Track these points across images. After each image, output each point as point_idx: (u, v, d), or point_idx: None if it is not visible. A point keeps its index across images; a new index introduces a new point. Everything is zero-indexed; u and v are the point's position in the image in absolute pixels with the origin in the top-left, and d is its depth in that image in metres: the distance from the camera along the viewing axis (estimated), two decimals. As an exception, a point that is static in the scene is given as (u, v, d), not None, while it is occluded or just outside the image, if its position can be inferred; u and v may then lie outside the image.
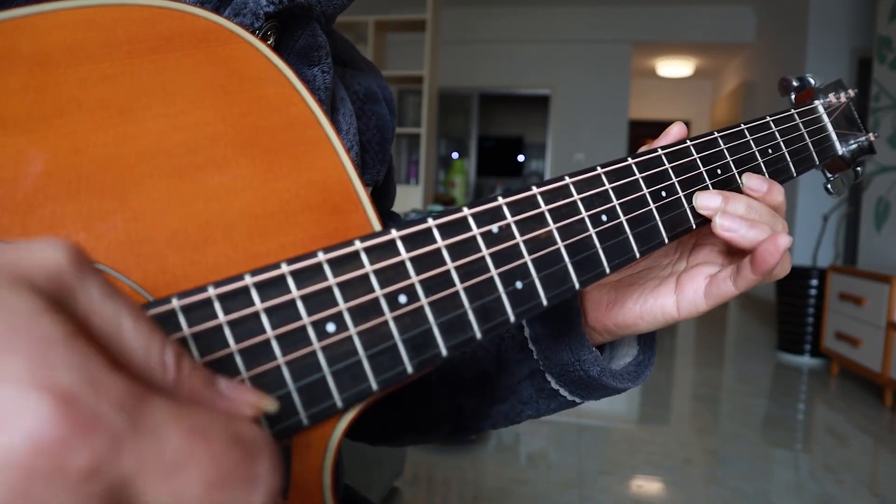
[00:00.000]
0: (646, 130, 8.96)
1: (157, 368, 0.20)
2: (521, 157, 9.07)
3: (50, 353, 0.17)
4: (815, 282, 3.60)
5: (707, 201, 0.41)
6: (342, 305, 0.28)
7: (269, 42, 0.43)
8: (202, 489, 0.18)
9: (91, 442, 0.16)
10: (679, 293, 0.43)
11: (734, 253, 0.45)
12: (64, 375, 0.16)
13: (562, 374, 0.48)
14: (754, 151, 0.47)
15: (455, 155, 8.25)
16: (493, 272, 0.33)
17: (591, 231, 0.37)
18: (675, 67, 7.88)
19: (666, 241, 0.41)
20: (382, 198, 0.63)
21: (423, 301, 0.30)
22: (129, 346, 0.20)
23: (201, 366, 0.22)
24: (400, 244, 0.30)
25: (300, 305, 0.27)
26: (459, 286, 0.31)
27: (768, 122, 0.49)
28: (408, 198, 4.50)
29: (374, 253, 0.29)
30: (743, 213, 0.41)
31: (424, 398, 0.55)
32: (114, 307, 0.20)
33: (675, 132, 0.45)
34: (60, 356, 0.17)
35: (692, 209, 0.42)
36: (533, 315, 0.34)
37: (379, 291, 0.29)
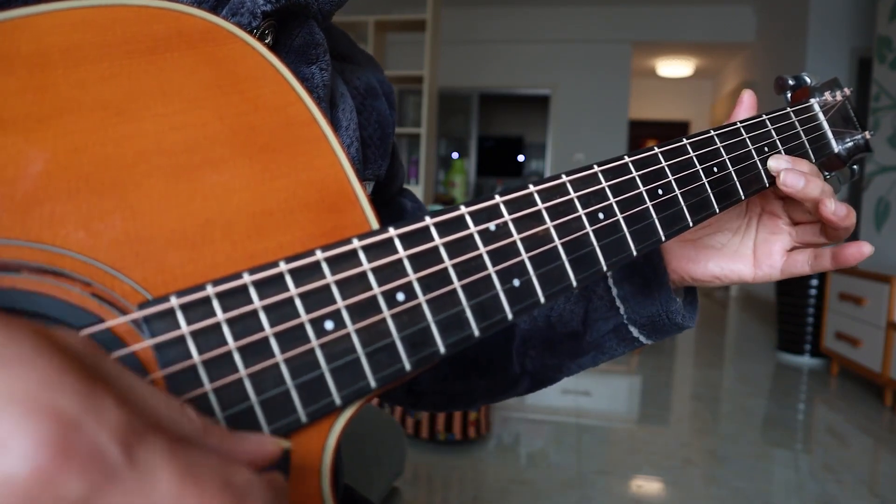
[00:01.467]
0: (646, 130, 8.96)
1: (184, 422, 0.21)
2: (521, 157, 9.07)
3: (60, 379, 0.17)
4: (815, 282, 3.60)
5: (776, 163, 0.47)
6: (340, 303, 0.28)
7: (266, 40, 0.43)
8: None
9: (85, 472, 0.16)
10: (756, 265, 0.50)
11: (799, 223, 0.50)
12: (70, 402, 0.17)
13: (646, 325, 0.54)
14: (750, 149, 0.47)
15: (455, 155, 8.25)
16: (491, 270, 0.33)
17: (588, 228, 0.37)
18: (675, 67, 7.88)
19: (663, 238, 0.41)
20: (390, 182, 0.64)
21: (421, 299, 0.30)
22: (150, 404, 0.20)
23: (228, 430, 0.23)
24: (397, 242, 0.30)
25: (298, 303, 0.28)
26: (457, 284, 0.31)
27: (764, 120, 0.49)
28: (408, 198, 4.49)
29: (372, 251, 0.30)
30: (807, 170, 0.46)
31: (505, 363, 0.58)
32: (131, 383, 0.20)
33: (747, 101, 0.50)
34: (69, 383, 0.17)
35: (688, 206, 0.42)
36: (530, 312, 0.34)
37: (377, 289, 0.29)
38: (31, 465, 0.16)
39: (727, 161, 0.45)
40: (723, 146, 0.45)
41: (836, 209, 0.45)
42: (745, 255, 0.50)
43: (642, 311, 0.53)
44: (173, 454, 0.19)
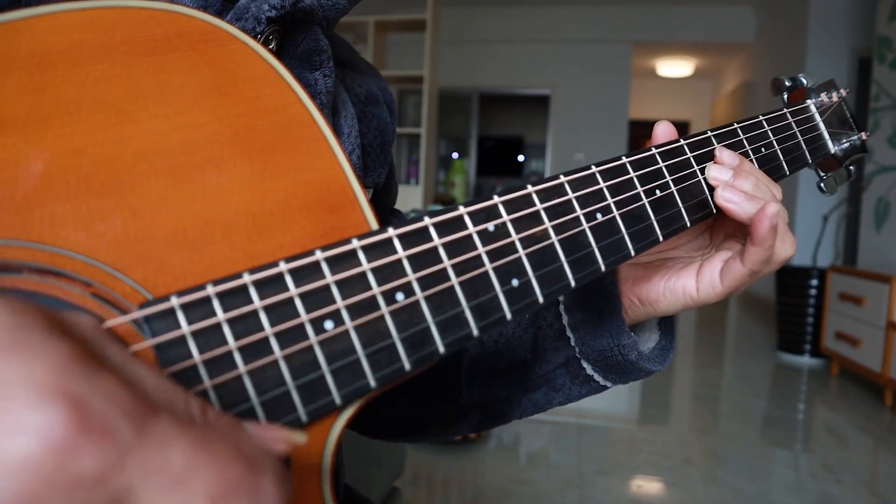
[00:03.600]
0: (646, 130, 8.93)
1: (185, 418, 0.21)
2: (521, 157, 9.07)
3: (70, 364, 0.17)
4: (815, 282, 3.60)
5: (717, 173, 0.44)
6: (340, 303, 0.28)
7: (270, 46, 0.43)
8: (207, 501, 0.18)
9: (99, 448, 0.17)
10: (699, 275, 0.46)
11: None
12: (80, 384, 0.17)
13: (599, 360, 0.50)
14: (747, 150, 0.47)
15: (455, 155, 8.25)
16: (490, 270, 0.33)
17: (586, 228, 0.37)
18: (675, 67, 7.88)
19: (661, 238, 0.41)
20: (384, 197, 0.63)
21: (420, 298, 0.30)
22: (153, 400, 0.20)
23: (226, 414, 0.23)
24: (397, 242, 0.30)
25: (298, 303, 0.28)
26: (456, 283, 0.32)
27: (761, 121, 0.49)
28: (408, 198, 4.50)
29: (372, 251, 0.30)
30: (748, 189, 0.43)
31: (454, 390, 0.55)
32: (134, 367, 0.20)
33: (661, 131, 0.46)
34: (79, 368, 0.18)
35: (686, 207, 0.43)
36: (529, 312, 0.34)
37: (376, 289, 0.29)
38: (47, 444, 0.16)
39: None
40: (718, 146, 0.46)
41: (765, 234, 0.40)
42: (692, 270, 0.46)
43: (593, 344, 0.50)
44: (184, 427, 0.19)
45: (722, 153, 0.45)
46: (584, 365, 0.51)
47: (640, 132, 8.26)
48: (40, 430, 0.16)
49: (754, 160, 0.47)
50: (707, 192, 0.44)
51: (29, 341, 0.17)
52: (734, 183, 0.44)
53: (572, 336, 0.51)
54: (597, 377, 0.52)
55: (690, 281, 0.46)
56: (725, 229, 0.50)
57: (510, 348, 0.54)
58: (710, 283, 0.45)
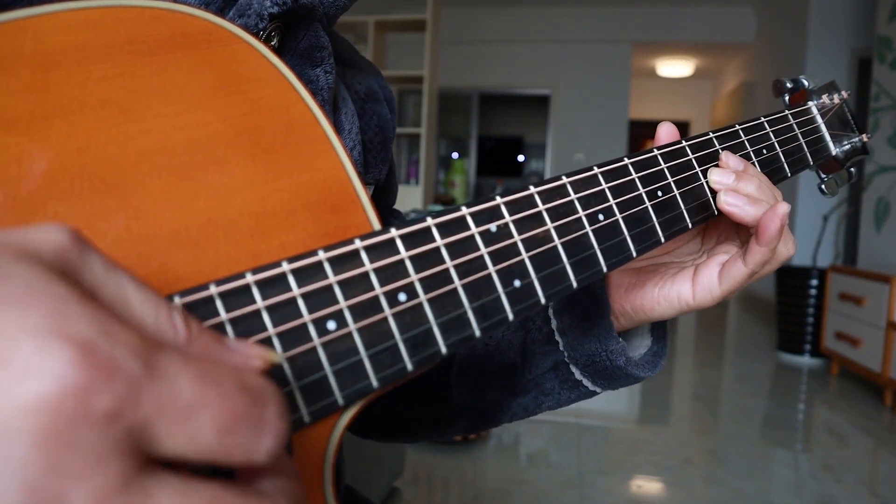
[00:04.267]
0: (646, 130, 8.96)
1: (168, 330, 0.21)
2: (521, 157, 9.07)
3: (66, 308, 0.18)
4: (815, 282, 3.60)
5: (720, 177, 0.44)
6: (343, 303, 0.28)
7: (272, 43, 0.43)
8: (215, 433, 0.19)
9: (112, 386, 0.17)
10: (695, 280, 0.45)
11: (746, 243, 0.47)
12: (81, 327, 0.17)
13: (587, 365, 0.50)
14: (749, 151, 0.47)
15: (455, 155, 8.25)
16: (492, 270, 0.33)
17: (588, 230, 0.37)
18: (675, 67, 7.88)
19: (662, 240, 0.41)
20: (385, 195, 0.64)
21: (423, 299, 0.30)
22: (138, 312, 0.21)
23: (208, 328, 0.23)
24: (399, 243, 0.30)
25: (301, 303, 0.28)
26: (458, 284, 0.32)
27: (763, 122, 0.49)
28: (408, 198, 4.50)
29: (374, 251, 0.30)
30: (752, 192, 0.43)
31: (445, 392, 0.55)
32: (117, 279, 0.21)
33: (664, 132, 0.46)
34: (76, 311, 0.18)
35: (688, 209, 0.43)
36: (530, 313, 0.34)
37: (379, 289, 0.29)
38: (61, 383, 0.16)
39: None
40: (722, 148, 0.46)
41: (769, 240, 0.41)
42: (686, 275, 0.46)
43: (581, 348, 0.49)
44: (188, 361, 0.19)
45: (728, 158, 0.45)
46: (573, 370, 0.51)
47: (640, 132, 8.27)
48: (52, 371, 0.16)
49: (756, 162, 0.47)
50: (709, 195, 0.44)
51: (17, 291, 0.17)
52: (737, 186, 0.43)
53: (561, 340, 0.51)
54: (585, 382, 0.51)
55: (686, 286, 0.45)
56: (719, 233, 0.49)
57: (499, 351, 0.53)
58: (707, 287, 0.44)
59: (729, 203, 0.43)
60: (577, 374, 0.51)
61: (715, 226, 0.49)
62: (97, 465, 0.17)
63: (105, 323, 0.18)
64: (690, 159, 0.44)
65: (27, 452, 0.16)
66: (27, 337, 0.17)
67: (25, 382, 0.16)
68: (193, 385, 0.19)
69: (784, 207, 0.41)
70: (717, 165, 0.45)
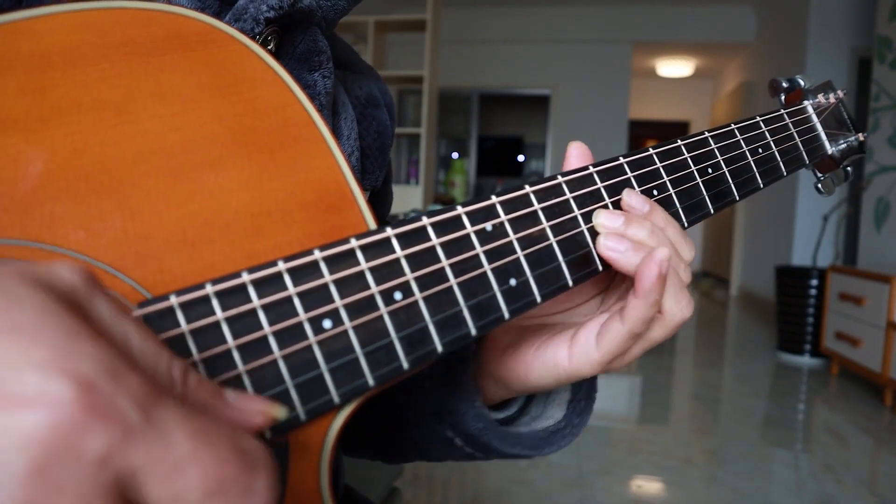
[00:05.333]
0: (646, 130, 8.96)
1: (165, 383, 0.21)
2: (521, 157, 9.07)
3: (74, 344, 0.18)
4: (815, 282, 3.60)
5: (605, 220, 0.37)
6: (338, 302, 0.29)
7: (269, 47, 0.43)
8: (201, 493, 0.19)
9: (106, 429, 0.17)
10: (573, 342, 0.38)
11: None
12: (86, 365, 0.17)
13: (452, 424, 0.43)
14: (744, 151, 0.47)
15: (455, 155, 8.25)
16: (487, 269, 0.33)
17: (584, 229, 0.37)
18: (675, 67, 7.88)
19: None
20: (380, 204, 0.63)
21: (418, 297, 0.31)
22: (138, 362, 0.21)
23: (208, 380, 0.23)
24: (395, 242, 0.31)
25: (297, 302, 0.28)
26: (454, 283, 0.32)
27: (758, 122, 0.49)
28: (408, 198, 4.50)
29: (370, 251, 0.30)
30: (641, 237, 0.37)
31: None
32: (122, 326, 0.21)
33: (574, 154, 0.41)
34: (83, 348, 0.18)
35: (683, 208, 0.43)
36: (526, 311, 0.34)
37: (374, 288, 0.30)
38: (55, 421, 0.16)
39: (721, 162, 0.45)
40: (717, 147, 0.46)
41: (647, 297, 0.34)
42: (566, 336, 0.38)
43: (441, 401, 0.43)
44: (186, 416, 0.19)
45: (630, 198, 0.38)
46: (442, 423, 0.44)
47: (640, 132, 8.27)
48: (48, 406, 0.16)
49: (752, 160, 0.47)
50: (704, 192, 0.44)
51: (26, 321, 0.17)
52: (625, 231, 0.37)
53: (430, 387, 0.44)
54: (457, 441, 0.43)
55: (562, 350, 0.38)
56: (618, 289, 0.42)
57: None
58: (584, 349, 0.37)
59: (608, 248, 0.36)
60: (449, 432, 0.44)
61: (623, 279, 0.42)
62: None
63: (111, 364, 0.18)
64: (686, 158, 0.44)
65: (14, 488, 0.16)
66: (31, 369, 0.17)
67: (22, 415, 0.16)
68: (188, 441, 0.19)
69: (662, 253, 0.33)
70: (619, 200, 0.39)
